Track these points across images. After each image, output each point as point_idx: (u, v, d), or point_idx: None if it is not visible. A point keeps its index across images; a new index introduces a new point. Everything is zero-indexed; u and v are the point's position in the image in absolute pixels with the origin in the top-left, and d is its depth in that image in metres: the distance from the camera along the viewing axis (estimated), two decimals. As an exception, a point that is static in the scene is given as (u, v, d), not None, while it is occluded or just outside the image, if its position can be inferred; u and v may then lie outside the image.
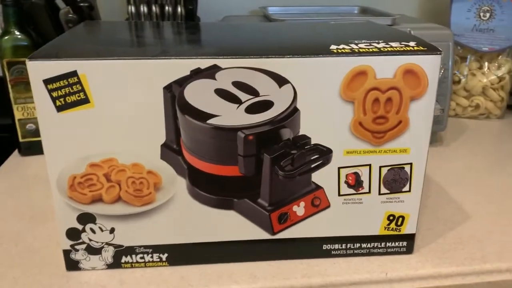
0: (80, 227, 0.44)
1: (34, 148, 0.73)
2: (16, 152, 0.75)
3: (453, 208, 0.58)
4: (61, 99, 0.39)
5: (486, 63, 0.87)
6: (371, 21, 0.58)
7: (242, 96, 0.41)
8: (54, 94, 0.39)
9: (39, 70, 0.38)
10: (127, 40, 0.46)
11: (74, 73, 0.39)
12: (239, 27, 0.53)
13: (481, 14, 0.86)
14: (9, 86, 0.69)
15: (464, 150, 0.77)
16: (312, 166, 0.44)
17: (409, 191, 0.46)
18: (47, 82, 0.39)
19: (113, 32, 0.49)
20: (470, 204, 0.60)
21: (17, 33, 0.68)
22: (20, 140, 0.72)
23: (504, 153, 0.76)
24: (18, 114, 0.71)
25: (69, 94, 0.39)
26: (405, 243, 0.48)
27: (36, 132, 0.72)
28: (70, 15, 0.66)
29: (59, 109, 0.40)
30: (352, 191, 0.45)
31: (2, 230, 0.54)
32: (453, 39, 0.72)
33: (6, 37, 0.68)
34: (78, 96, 0.39)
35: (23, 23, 0.68)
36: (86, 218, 0.44)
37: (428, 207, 0.59)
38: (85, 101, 0.40)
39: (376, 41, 0.44)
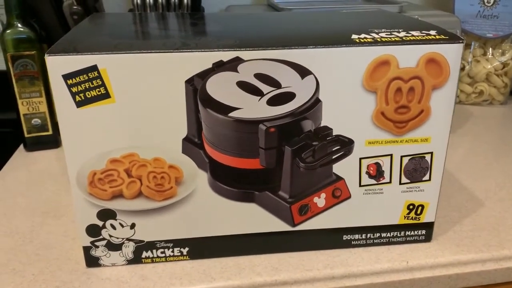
0: (100, 223, 0.44)
1: (40, 143, 0.72)
2: (21, 147, 0.74)
3: (465, 195, 0.59)
4: (81, 95, 0.39)
5: (490, 49, 0.88)
6: (383, 9, 0.58)
7: (264, 88, 0.40)
8: (74, 89, 0.38)
9: (58, 65, 0.37)
10: (143, 33, 0.45)
11: (94, 68, 0.38)
12: (251, 17, 0.52)
13: (485, 0, 0.85)
14: (14, 80, 0.67)
15: (470, 137, 0.77)
16: (334, 157, 0.44)
17: (429, 180, 0.46)
18: (66, 77, 0.38)
19: (125, 24, 0.48)
20: (481, 190, 0.60)
21: (20, 26, 0.67)
22: (26, 135, 0.71)
23: (510, 139, 0.76)
24: (23, 109, 0.69)
25: (89, 89, 0.38)
26: (424, 232, 0.48)
27: (42, 127, 0.71)
28: (75, 7, 0.65)
29: (79, 104, 0.39)
30: (373, 181, 0.45)
31: (15, 227, 0.53)
32: (460, 26, 0.71)
33: (8, 30, 0.66)
34: (99, 91, 0.39)
35: (26, 15, 0.67)
36: (106, 214, 0.43)
37: (441, 195, 0.59)
38: (106, 96, 0.39)
39: (396, 30, 0.43)
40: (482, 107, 0.91)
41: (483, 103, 0.92)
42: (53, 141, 0.72)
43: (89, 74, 0.38)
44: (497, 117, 0.86)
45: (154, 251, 0.46)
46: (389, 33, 0.42)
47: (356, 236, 0.48)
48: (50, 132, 0.72)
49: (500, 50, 0.87)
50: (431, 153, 0.45)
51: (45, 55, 0.37)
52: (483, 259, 0.47)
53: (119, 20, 0.51)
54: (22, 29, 0.67)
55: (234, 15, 0.54)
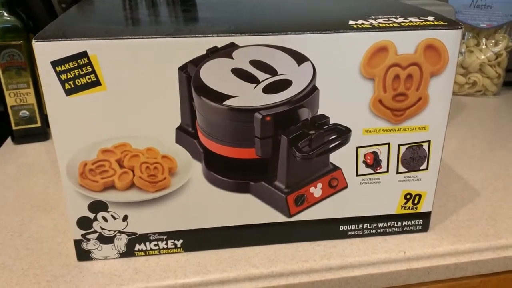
0: (91, 215, 0.43)
1: (28, 136, 0.70)
2: (8, 140, 0.72)
3: (461, 185, 0.59)
4: (70, 82, 0.37)
5: (484, 40, 0.87)
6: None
7: (260, 75, 0.39)
8: (63, 76, 0.37)
9: (46, 51, 0.36)
10: (134, 19, 0.44)
11: (84, 54, 0.36)
12: (245, 3, 0.51)
13: (479, -10, 0.85)
14: (0, 71, 0.65)
15: (465, 127, 0.77)
16: (330, 146, 0.43)
17: (427, 169, 0.45)
18: (55, 64, 0.37)
19: (115, 11, 0.47)
20: (477, 180, 0.60)
21: (6, 14, 0.65)
22: (13, 127, 0.69)
23: (503, 129, 0.76)
24: (10, 101, 0.67)
25: (78, 76, 0.37)
26: (421, 221, 0.48)
27: (30, 119, 0.69)
28: (63, -5, 0.63)
29: (68, 92, 0.38)
30: (370, 170, 0.44)
31: (4, 221, 0.52)
32: (455, 16, 0.71)
33: (-6, 19, 0.64)
34: (89, 79, 0.37)
35: (12, 4, 0.65)
36: (98, 206, 0.42)
37: (437, 185, 0.58)
38: (96, 83, 0.38)
39: (393, 16, 0.42)
40: (475, 98, 0.91)
41: (476, 94, 0.91)
42: (42, 134, 0.71)
43: (78, 61, 0.37)
44: (491, 107, 0.86)
45: (147, 243, 0.45)
46: (386, 19, 0.41)
47: (353, 227, 0.47)
48: (39, 124, 0.70)
49: (494, 41, 0.87)
50: (429, 141, 0.44)
51: (33, 41, 0.36)
52: (480, 248, 0.47)
53: (109, 7, 0.49)
54: (8, 18, 0.65)
55: (227, 1, 0.53)
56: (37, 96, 0.69)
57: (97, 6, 0.50)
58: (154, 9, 0.49)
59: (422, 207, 0.47)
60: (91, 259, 0.45)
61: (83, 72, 0.37)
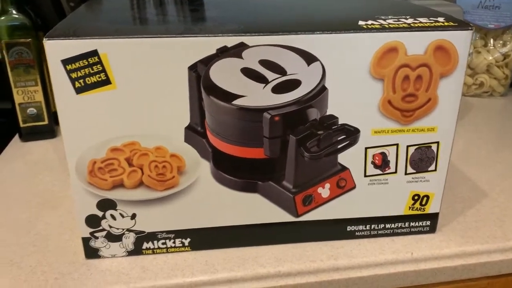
0: (100, 213, 0.43)
1: (36, 134, 0.70)
2: (16, 137, 0.72)
3: (468, 186, 0.58)
4: (81, 80, 0.37)
5: (491, 40, 0.87)
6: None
7: (269, 75, 0.39)
8: (73, 75, 0.37)
9: (57, 49, 0.36)
10: (143, 19, 0.44)
11: (94, 53, 0.37)
12: (254, 2, 0.51)
13: (487, -10, 0.85)
14: (8, 68, 0.66)
15: (471, 128, 0.77)
16: (339, 146, 0.43)
17: (435, 170, 0.45)
18: (65, 62, 0.37)
19: (124, 10, 0.47)
20: (484, 181, 0.60)
21: (14, 12, 0.65)
22: (21, 125, 0.69)
23: (510, 130, 0.76)
24: (18, 98, 0.68)
25: (89, 75, 0.37)
26: (428, 223, 0.48)
27: (38, 117, 0.69)
28: (71, -7, 0.63)
29: (79, 90, 0.38)
30: (378, 171, 0.44)
31: (11, 218, 0.52)
32: (463, 16, 0.71)
33: (3, 17, 0.64)
34: (99, 77, 0.37)
35: (20, 2, 0.65)
36: (106, 205, 0.42)
37: (445, 186, 0.58)
38: (106, 82, 0.38)
39: (403, 16, 0.42)
40: (482, 98, 0.90)
41: (483, 95, 0.91)
42: (49, 131, 0.71)
43: (89, 59, 0.37)
44: (498, 108, 0.86)
45: (155, 242, 0.45)
46: (396, 20, 0.41)
47: (360, 227, 0.47)
48: (46, 122, 0.70)
49: (501, 41, 0.87)
50: (438, 142, 0.44)
51: (44, 39, 0.36)
52: (488, 250, 0.47)
53: (117, 6, 0.50)
54: (17, 16, 0.65)
55: (232, 0, 0.53)
56: (45, 93, 0.69)
57: (105, 5, 0.50)
58: (162, 8, 0.49)
59: (430, 208, 0.47)
60: (99, 257, 0.45)
61: (93, 71, 0.37)
